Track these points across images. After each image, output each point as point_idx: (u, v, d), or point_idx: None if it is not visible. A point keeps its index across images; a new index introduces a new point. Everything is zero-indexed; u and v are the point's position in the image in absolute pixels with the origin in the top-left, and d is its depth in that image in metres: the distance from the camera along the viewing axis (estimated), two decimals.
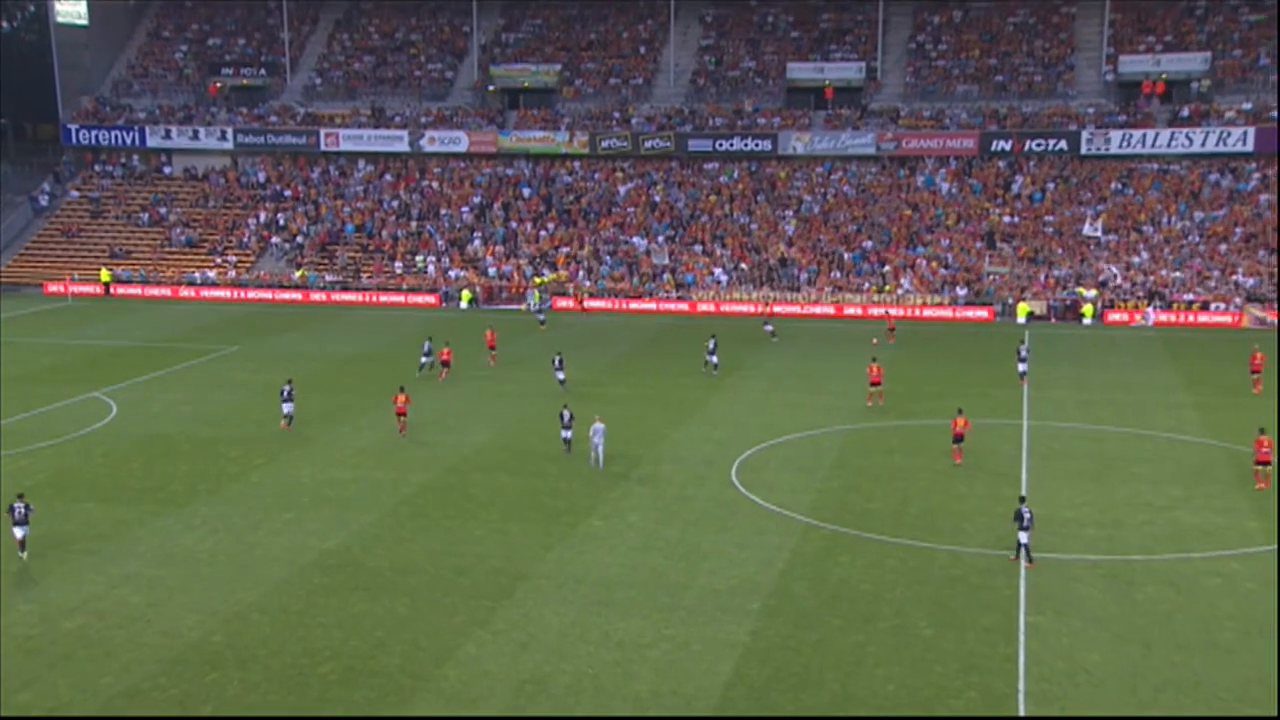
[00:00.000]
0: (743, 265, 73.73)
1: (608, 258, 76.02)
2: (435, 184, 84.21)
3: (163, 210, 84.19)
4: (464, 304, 72.97)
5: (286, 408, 42.63)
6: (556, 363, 48.30)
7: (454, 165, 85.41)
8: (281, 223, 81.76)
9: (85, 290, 76.73)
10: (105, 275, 76.74)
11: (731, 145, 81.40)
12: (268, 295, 75.03)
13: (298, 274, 76.72)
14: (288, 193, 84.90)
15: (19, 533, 30.11)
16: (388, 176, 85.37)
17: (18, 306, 72.64)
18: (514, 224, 79.86)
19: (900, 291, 69.83)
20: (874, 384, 45.72)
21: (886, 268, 72.19)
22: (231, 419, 44.39)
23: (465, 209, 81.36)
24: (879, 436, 40.69)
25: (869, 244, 74.40)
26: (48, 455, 39.30)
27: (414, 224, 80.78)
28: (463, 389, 48.36)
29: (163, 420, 44.12)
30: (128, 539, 31.32)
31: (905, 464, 37.77)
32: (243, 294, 75.50)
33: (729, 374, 51.87)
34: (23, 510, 30.25)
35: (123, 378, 51.14)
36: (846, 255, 73.71)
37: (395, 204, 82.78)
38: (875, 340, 57.69)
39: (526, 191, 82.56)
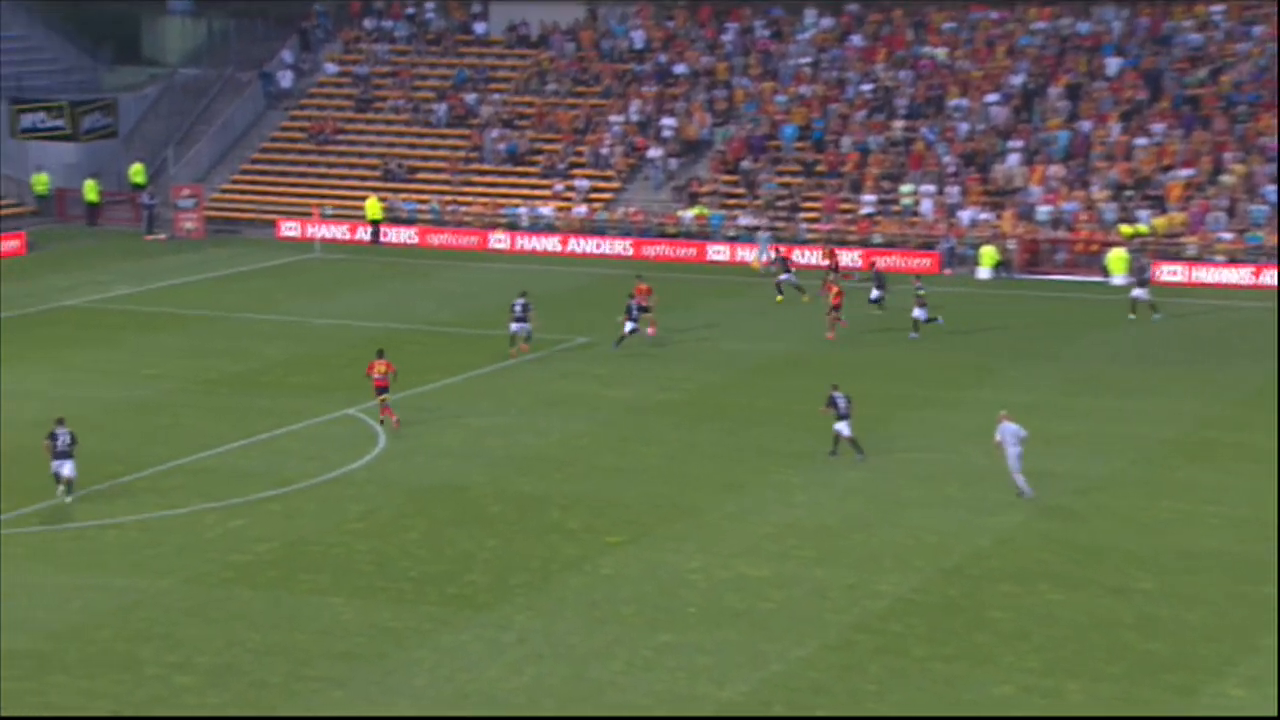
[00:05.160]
0: None
1: (1269, 189, 73.44)
2: (941, 50, 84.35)
3: (471, 99, 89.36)
4: (984, 269, 72.63)
5: (516, 328, 56.21)
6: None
7: (976, 15, 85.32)
8: (668, 124, 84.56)
9: (339, 235, 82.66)
10: (374, 208, 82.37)
11: None
12: (639, 249, 77.81)
13: (693, 211, 79.10)
14: (680, 68, 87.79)
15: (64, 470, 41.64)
16: (855, 38, 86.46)
17: (235, 259, 79.18)
18: (1085, 124, 78.64)
19: None
20: None
21: None
22: (573, 462, 46.07)
23: (994, 97, 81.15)
24: None
25: None
26: (273, 513, 42.10)
27: (899, 125, 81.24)
28: (984, 416, 47.87)
29: (458, 460, 46.35)
30: (396, 662, 32.86)
31: None
32: (598, 244, 78.80)
33: None
34: (68, 440, 41.34)
35: (396, 385, 53.69)
36: None
37: (869, 89, 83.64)
38: None
39: (1113, 63, 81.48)
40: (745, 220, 78.06)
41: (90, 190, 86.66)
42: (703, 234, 77.95)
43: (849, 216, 77.43)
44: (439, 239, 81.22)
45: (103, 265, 76.82)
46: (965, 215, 75.77)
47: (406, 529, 40.66)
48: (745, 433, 48.49)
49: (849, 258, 72.72)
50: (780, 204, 78.78)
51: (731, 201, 80.00)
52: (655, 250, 77.45)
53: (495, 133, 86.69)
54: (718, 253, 76.66)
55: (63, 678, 31.99)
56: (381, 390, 49.01)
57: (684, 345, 59.72)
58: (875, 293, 62.49)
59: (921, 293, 60.19)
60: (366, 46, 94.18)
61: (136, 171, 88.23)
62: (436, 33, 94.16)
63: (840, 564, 37.92)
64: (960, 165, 78.38)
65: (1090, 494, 42.44)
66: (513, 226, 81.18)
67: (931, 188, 77.60)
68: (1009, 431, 41.57)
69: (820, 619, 34.76)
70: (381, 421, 49.10)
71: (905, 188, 77.95)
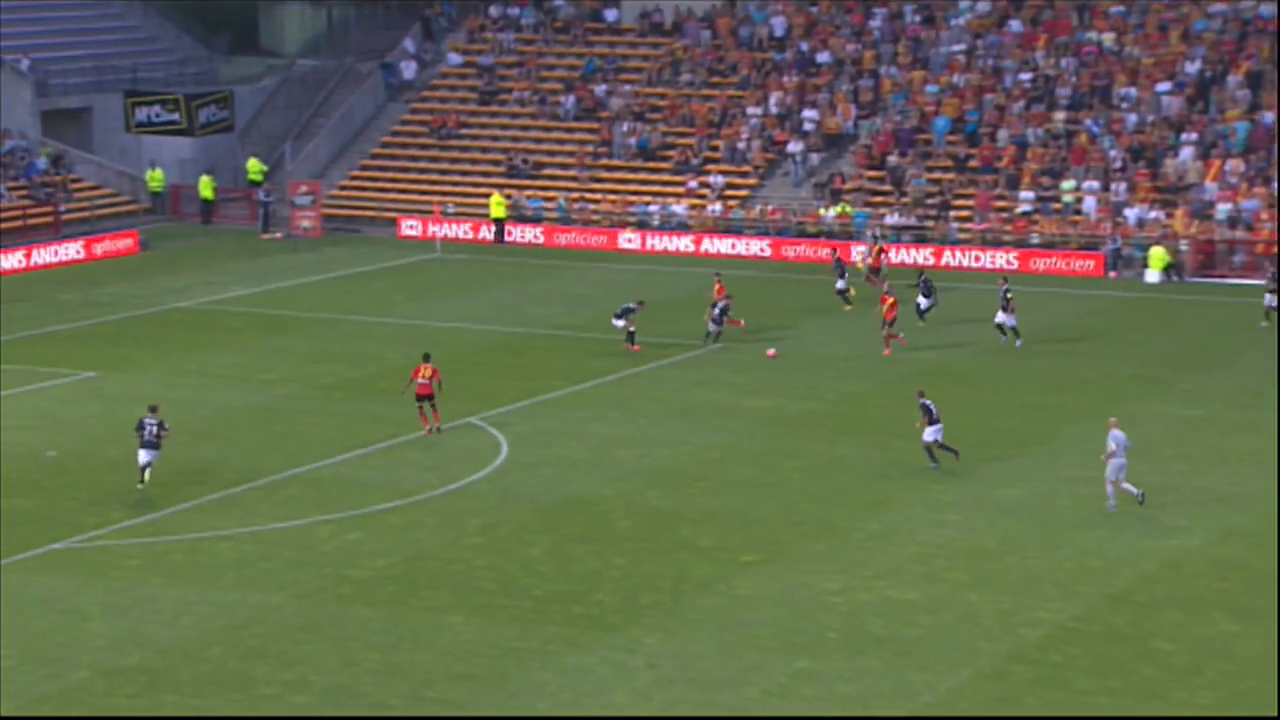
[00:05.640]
0: None
1: None
2: (1108, 36, 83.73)
3: (600, 90, 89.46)
4: (1153, 272, 71.99)
5: (620, 323, 58.84)
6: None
7: None
8: (809, 117, 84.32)
9: (461, 234, 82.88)
10: (498, 206, 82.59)
11: None
12: (778, 250, 77.65)
13: (835, 210, 78.70)
14: (823, 57, 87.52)
15: (140, 456, 43.96)
16: (1013, 23, 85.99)
17: (354, 259, 79.67)
18: (1267, 115, 77.67)
19: None
20: None
21: None
22: (706, 476, 45.96)
23: (1164, 86, 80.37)
24: None
25: None
26: (391, 526, 42.31)
27: (1061, 117, 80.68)
28: (1152, 430, 47.22)
29: (584, 472, 46.38)
30: (520, 685, 32.86)
31: None
32: (733, 244, 78.60)
33: None
34: (154, 429, 43.82)
35: (519, 393, 54.41)
36: None
37: (1027, 78, 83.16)
38: None
39: None
40: (892, 219, 77.42)
41: (205, 187, 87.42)
42: (845, 234, 77.34)
43: (1004, 215, 76.75)
44: (566, 238, 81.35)
45: (217, 265, 77.62)
46: (1132, 214, 74.80)
47: (530, 545, 40.68)
48: (891, 446, 48.03)
49: (1004, 259, 72.58)
50: (929, 202, 78.15)
51: (877, 199, 79.55)
52: (795, 251, 77.18)
53: (626, 126, 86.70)
54: (862, 254, 75.93)
55: (174, 697, 32.25)
56: (423, 397, 49.27)
57: (825, 352, 59.52)
58: (923, 301, 61.81)
59: (1009, 296, 59.50)
60: (492, 35, 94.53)
61: (254, 167, 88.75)
62: (565, 20, 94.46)
63: (994, 588, 37.47)
64: (1127, 160, 77.41)
65: (1268, 517, 41.67)
66: (643, 225, 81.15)
67: (1095, 184, 76.77)
68: (1120, 440, 41.40)
69: (972, 647, 34.38)
70: (432, 430, 49.46)
71: (1067, 184, 77.21)
